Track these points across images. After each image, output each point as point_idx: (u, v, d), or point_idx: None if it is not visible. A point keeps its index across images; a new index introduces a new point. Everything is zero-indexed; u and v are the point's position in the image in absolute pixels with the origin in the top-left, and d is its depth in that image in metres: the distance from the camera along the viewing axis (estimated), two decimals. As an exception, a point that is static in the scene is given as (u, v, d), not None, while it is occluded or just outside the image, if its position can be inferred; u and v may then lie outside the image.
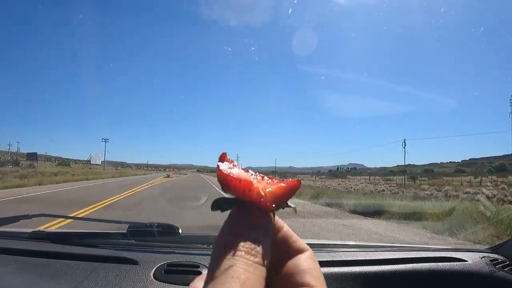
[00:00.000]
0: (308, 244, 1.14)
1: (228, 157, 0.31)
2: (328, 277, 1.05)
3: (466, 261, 1.20)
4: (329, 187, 27.87)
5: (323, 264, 1.11)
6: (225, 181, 0.28)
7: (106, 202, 8.74)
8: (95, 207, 7.64)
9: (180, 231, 1.23)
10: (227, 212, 0.32)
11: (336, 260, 1.15)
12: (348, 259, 1.16)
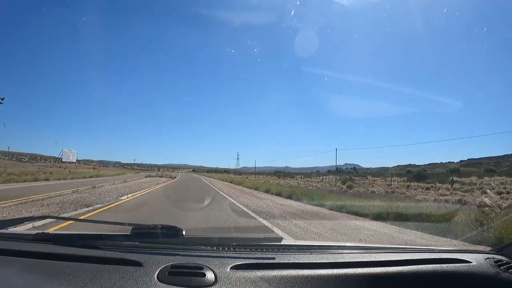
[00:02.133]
0: (312, 246, 1.14)
1: None
2: (332, 279, 1.05)
3: (470, 262, 1.20)
4: None
5: (327, 266, 1.11)
6: None
7: None
8: None
9: (183, 232, 1.23)
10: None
11: (340, 262, 1.14)
12: (352, 260, 1.16)
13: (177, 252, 1.16)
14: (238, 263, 1.07)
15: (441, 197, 16.73)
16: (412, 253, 1.29)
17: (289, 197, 14.44)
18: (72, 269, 1.01)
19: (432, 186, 31.43)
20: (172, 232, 1.23)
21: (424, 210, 8.26)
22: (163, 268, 1.02)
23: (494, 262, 1.21)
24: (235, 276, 1.00)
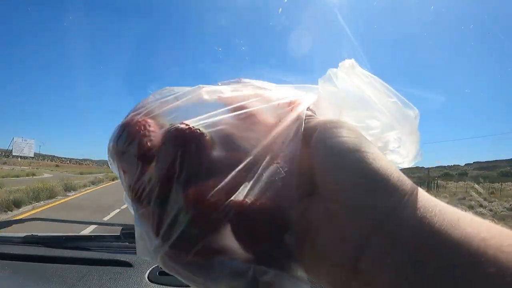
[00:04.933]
0: None
1: None
2: None
3: None
4: None
5: None
6: None
7: None
8: None
9: None
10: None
11: None
12: None
13: None
14: None
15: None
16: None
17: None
18: (62, 270, 1.02)
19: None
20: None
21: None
22: (153, 268, 1.03)
23: None
24: None
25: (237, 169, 0.21)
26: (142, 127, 0.23)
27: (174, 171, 0.21)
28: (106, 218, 6.45)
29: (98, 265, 1.06)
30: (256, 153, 0.22)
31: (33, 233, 1.30)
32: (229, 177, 0.21)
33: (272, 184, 0.21)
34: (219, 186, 0.20)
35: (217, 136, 0.23)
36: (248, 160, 0.22)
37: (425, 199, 0.20)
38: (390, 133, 0.27)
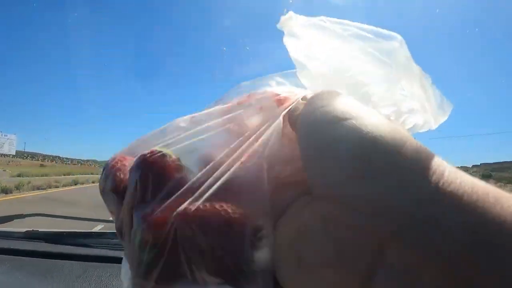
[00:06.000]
0: None
1: None
2: None
3: None
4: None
5: None
6: None
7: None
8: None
9: None
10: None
11: None
12: None
13: None
14: None
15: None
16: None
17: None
18: (62, 266, 1.02)
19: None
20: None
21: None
22: None
23: None
24: None
25: (191, 181, 0.19)
26: (118, 162, 0.23)
27: (135, 199, 0.20)
28: None
29: (98, 262, 1.06)
30: (218, 160, 0.20)
31: (34, 229, 1.30)
32: (180, 190, 0.19)
33: (229, 186, 0.18)
34: (167, 203, 0.18)
35: (188, 153, 0.21)
36: (205, 169, 0.19)
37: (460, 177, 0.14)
38: (396, 86, 0.23)
